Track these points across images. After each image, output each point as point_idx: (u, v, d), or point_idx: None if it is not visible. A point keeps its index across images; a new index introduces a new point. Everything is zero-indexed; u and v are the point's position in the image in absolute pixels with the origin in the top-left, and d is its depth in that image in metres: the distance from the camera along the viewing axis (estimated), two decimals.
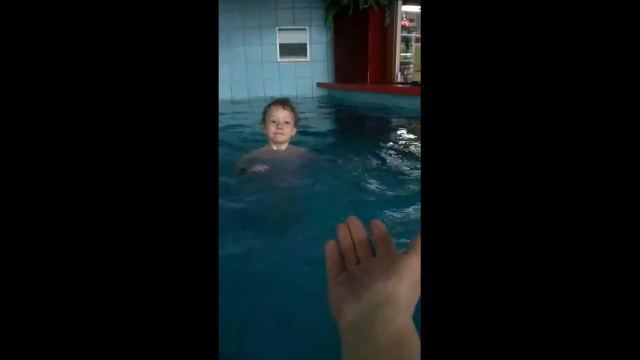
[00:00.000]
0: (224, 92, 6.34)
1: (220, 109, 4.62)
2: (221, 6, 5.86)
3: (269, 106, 1.71)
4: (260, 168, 1.54)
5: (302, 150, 1.87)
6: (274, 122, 1.66)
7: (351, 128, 3.30)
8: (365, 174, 1.57)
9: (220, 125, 3.31)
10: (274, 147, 1.72)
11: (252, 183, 1.47)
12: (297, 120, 1.75)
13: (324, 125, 3.34)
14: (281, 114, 1.66)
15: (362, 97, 4.99)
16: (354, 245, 0.40)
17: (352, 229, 0.41)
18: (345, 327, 0.32)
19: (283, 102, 1.71)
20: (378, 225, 0.40)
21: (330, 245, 0.41)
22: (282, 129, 1.66)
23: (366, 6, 4.77)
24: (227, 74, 6.29)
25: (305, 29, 6.28)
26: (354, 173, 1.58)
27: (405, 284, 0.33)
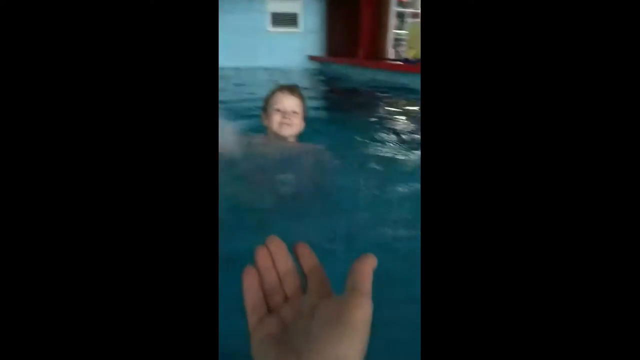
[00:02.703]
0: None
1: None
2: None
3: (272, 92, 1.39)
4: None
5: (317, 147, 1.47)
6: (278, 110, 1.34)
7: (347, 107, 3.22)
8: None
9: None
10: (275, 140, 1.40)
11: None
12: (306, 111, 1.43)
13: (319, 102, 3.26)
14: (288, 101, 1.34)
15: (354, 72, 4.91)
16: (278, 276, 0.32)
17: (274, 253, 0.32)
18: None
19: (291, 89, 1.38)
20: (306, 250, 0.32)
21: (250, 274, 0.31)
22: (289, 119, 1.33)
23: None
24: None
25: None
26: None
27: (358, 345, 0.26)
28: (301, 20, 6.21)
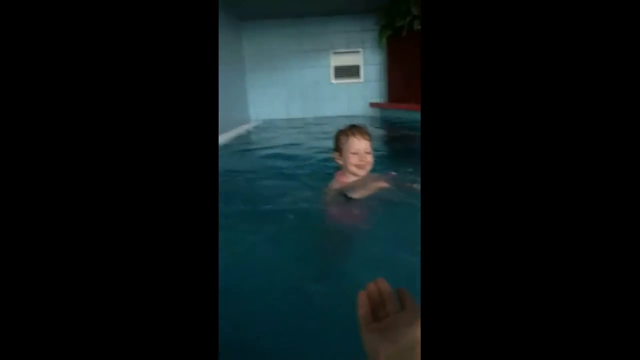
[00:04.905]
0: (281, 112, 6.67)
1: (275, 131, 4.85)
2: (279, 31, 6.24)
3: (345, 135, 1.53)
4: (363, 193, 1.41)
5: (382, 176, 1.64)
6: (354, 154, 1.49)
7: (406, 146, 3.30)
8: None
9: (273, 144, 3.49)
10: (352, 177, 1.55)
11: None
12: (372, 147, 1.58)
13: (381, 144, 3.36)
14: (362, 145, 1.49)
15: (414, 116, 4.99)
16: (382, 301, 0.48)
17: (381, 288, 0.50)
18: None
19: (362, 131, 1.52)
20: (404, 291, 0.49)
21: (363, 296, 0.49)
22: (364, 160, 1.50)
23: (420, 27, 4.82)
24: (284, 95, 6.61)
25: (359, 51, 6.45)
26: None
27: None
28: (362, 71, 6.55)
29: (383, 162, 2.44)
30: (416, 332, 0.40)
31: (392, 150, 3.24)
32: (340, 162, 1.57)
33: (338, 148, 1.57)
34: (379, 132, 4.31)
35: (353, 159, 1.49)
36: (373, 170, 1.58)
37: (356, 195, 1.40)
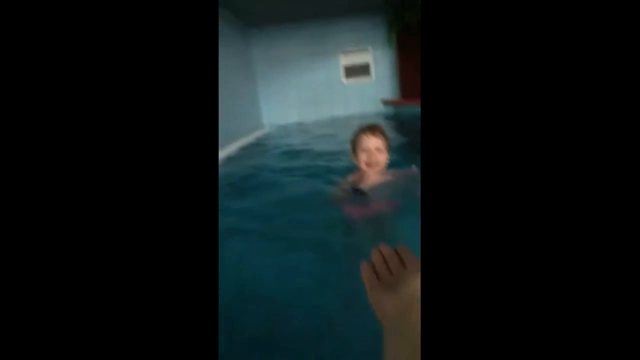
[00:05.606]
0: (293, 116, 6.65)
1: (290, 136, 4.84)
2: (287, 35, 6.25)
3: (357, 134, 1.54)
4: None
5: (401, 171, 1.62)
6: (364, 150, 1.48)
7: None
8: None
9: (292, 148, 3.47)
10: (364, 175, 1.54)
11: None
12: (389, 146, 1.55)
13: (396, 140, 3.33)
14: (371, 142, 1.47)
15: None
16: (385, 262, 0.50)
17: (383, 252, 0.51)
18: (389, 319, 0.40)
19: (373, 129, 1.51)
20: (404, 248, 0.51)
21: (364, 264, 0.51)
22: (374, 157, 1.47)
23: None
24: (296, 98, 6.60)
25: (367, 49, 6.39)
26: None
27: None
28: (373, 69, 6.48)
29: (402, 157, 2.41)
30: (417, 283, 0.42)
31: (409, 145, 3.18)
32: (355, 161, 1.57)
33: (353, 148, 1.57)
34: (393, 128, 4.24)
35: (362, 156, 1.49)
36: (392, 167, 1.55)
37: (364, 186, 1.39)
